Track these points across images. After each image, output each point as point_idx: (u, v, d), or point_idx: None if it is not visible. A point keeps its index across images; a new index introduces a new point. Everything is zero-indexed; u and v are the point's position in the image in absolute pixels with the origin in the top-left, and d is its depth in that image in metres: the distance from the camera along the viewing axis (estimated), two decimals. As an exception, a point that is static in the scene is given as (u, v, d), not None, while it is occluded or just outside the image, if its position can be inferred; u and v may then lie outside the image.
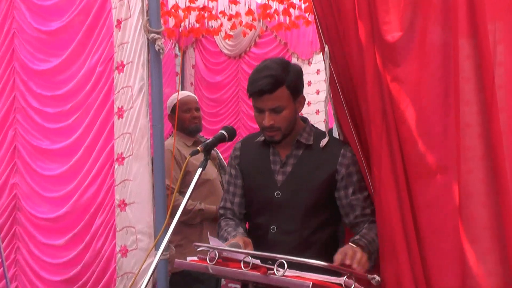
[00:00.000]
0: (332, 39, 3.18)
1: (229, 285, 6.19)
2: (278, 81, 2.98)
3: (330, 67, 3.18)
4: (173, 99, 4.97)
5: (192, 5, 6.71)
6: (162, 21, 3.78)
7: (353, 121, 3.16)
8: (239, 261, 2.45)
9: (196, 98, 5.21)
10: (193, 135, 4.91)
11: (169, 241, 3.97)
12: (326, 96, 3.28)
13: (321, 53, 3.29)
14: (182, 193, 4.33)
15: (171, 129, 5.35)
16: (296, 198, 3.07)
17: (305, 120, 3.23)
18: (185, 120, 4.85)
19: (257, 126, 3.16)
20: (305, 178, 3.08)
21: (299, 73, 3.11)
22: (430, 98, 2.70)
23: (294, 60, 8.29)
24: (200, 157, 2.93)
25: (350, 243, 2.87)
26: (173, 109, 4.83)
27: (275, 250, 2.75)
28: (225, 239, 3.00)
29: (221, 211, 3.28)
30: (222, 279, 5.06)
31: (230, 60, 9.34)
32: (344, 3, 2.99)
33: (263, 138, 3.14)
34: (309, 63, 8.78)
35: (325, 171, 3.08)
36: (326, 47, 3.20)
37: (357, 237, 2.94)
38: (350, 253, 2.73)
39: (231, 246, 2.69)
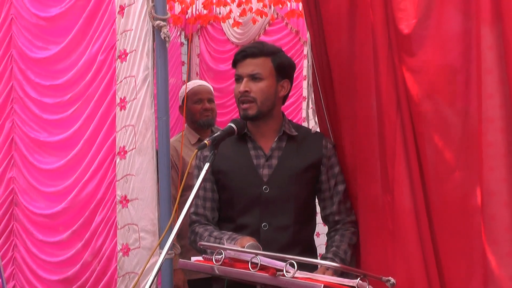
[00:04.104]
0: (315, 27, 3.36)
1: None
2: (264, 51, 3.14)
3: (311, 55, 3.39)
4: (184, 89, 4.82)
5: (200, -10, 6.67)
6: (167, 7, 3.76)
7: (329, 113, 3.35)
8: (247, 261, 2.45)
9: (211, 88, 5.01)
10: (205, 130, 4.75)
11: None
12: (308, 83, 3.46)
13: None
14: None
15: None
16: (285, 191, 3.15)
17: (283, 113, 3.31)
18: (195, 113, 4.73)
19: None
20: (292, 170, 3.16)
21: (290, 63, 3.26)
22: (449, 90, 2.69)
23: (305, 50, 8.23)
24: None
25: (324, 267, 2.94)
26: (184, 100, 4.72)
27: (268, 248, 2.81)
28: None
29: (194, 217, 3.27)
30: None
31: (237, 49, 9.25)
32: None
33: (234, 134, 3.05)
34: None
35: (311, 163, 3.20)
36: (308, 33, 3.40)
37: (330, 255, 3.09)
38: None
39: (250, 247, 2.71)
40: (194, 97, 4.74)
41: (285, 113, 3.31)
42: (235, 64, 3.20)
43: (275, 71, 3.15)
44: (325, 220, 3.29)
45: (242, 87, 3.11)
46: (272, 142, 3.20)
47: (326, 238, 3.30)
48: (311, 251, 3.29)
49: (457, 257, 2.67)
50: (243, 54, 3.16)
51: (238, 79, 3.17)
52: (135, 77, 3.74)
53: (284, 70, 3.20)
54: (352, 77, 3.14)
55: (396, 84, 2.84)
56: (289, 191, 3.14)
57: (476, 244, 2.54)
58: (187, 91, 4.73)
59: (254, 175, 3.16)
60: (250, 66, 3.12)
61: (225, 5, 7.05)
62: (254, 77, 3.11)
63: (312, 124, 3.47)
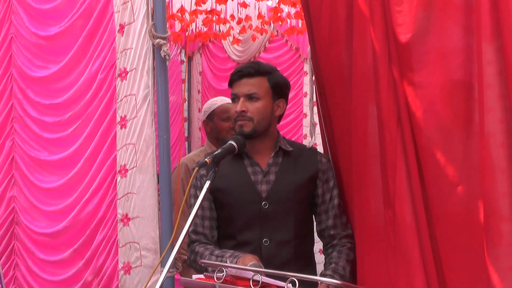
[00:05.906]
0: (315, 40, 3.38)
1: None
2: (261, 70, 3.18)
3: (311, 69, 3.48)
4: (211, 104, 4.86)
5: (199, 8, 6.64)
6: (167, 25, 3.77)
7: (326, 128, 3.41)
8: (248, 279, 2.44)
9: None
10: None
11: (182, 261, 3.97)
12: (309, 99, 3.59)
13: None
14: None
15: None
16: (284, 206, 3.17)
17: (277, 130, 3.35)
18: (222, 130, 4.75)
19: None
20: (290, 185, 3.20)
21: (286, 82, 3.32)
22: (450, 105, 2.70)
23: (306, 67, 8.24)
24: None
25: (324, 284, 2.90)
26: (210, 115, 4.78)
27: (270, 264, 2.88)
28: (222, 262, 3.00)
29: (194, 236, 3.28)
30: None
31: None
32: (358, 4, 3.00)
33: (234, 152, 3.07)
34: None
35: (307, 177, 3.24)
36: (309, 48, 3.46)
37: (329, 272, 3.10)
38: None
39: (252, 267, 2.70)
40: (223, 114, 4.75)
41: (286, 130, 3.35)
42: (231, 83, 3.24)
43: (271, 91, 3.20)
44: (321, 235, 3.30)
45: (239, 107, 3.15)
46: (268, 158, 3.23)
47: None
48: (312, 265, 3.30)
49: (459, 272, 2.67)
50: (239, 74, 3.19)
51: (235, 98, 3.21)
52: (135, 95, 3.73)
53: (280, 89, 3.25)
54: (346, 91, 3.16)
55: (397, 98, 2.85)
56: (288, 206, 3.17)
57: (479, 259, 2.54)
58: (213, 108, 4.75)
59: (252, 191, 3.18)
60: (246, 86, 3.16)
61: (224, 22, 7.09)
62: (250, 97, 3.15)
63: (313, 140, 3.49)
